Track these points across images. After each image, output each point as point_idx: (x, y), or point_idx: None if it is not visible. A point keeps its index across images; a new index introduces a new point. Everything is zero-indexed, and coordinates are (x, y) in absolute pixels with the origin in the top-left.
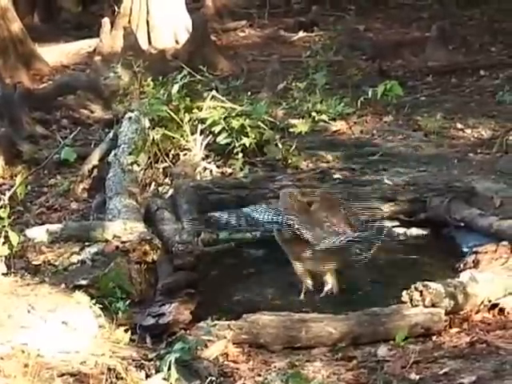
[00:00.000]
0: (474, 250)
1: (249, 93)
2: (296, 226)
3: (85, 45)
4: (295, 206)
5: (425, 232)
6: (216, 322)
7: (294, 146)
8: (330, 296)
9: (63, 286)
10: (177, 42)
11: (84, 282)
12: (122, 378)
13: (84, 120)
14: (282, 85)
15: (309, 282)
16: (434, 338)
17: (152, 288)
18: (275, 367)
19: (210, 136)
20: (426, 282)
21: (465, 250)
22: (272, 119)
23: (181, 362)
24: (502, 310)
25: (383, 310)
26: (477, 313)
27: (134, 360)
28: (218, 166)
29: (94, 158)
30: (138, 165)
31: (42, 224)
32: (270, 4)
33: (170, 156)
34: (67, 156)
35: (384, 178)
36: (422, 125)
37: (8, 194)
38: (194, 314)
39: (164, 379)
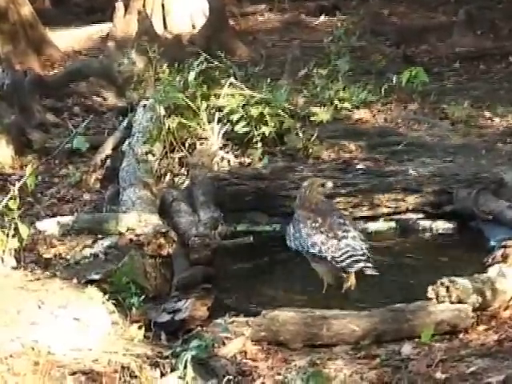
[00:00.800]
0: (503, 243)
1: (268, 80)
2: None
3: (97, 29)
4: (312, 194)
5: (451, 225)
6: (234, 318)
7: (315, 135)
8: (351, 291)
9: (75, 280)
10: (193, 26)
11: (97, 277)
12: (136, 377)
13: (97, 108)
14: (303, 71)
15: (330, 281)
16: (460, 335)
17: (167, 283)
18: (295, 366)
19: (228, 124)
20: (453, 278)
21: (493, 243)
22: (292, 107)
23: (197, 360)
24: None
25: (408, 306)
26: (505, 309)
27: (148, 358)
28: (236, 156)
29: (107, 148)
30: (153, 154)
31: (53, 216)
32: None
33: (187, 145)
34: (79, 145)
35: (409, 169)
36: (449, 113)
37: (18, 184)
38: (211, 311)
39: (180, 378)
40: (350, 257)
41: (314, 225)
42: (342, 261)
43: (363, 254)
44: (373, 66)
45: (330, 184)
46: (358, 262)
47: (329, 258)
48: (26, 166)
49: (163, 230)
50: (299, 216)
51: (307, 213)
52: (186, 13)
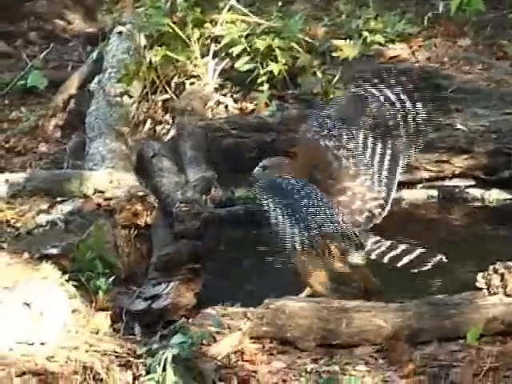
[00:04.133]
0: None
1: (279, 3)
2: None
3: None
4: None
5: (509, 195)
6: (228, 308)
7: (338, 76)
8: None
9: (26, 255)
10: None
11: (54, 251)
12: (101, 380)
13: (59, 34)
14: None
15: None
16: None
17: (144, 261)
18: (305, 371)
19: (227, 60)
20: (510, 263)
21: None
22: (309, 39)
23: (180, 360)
24: None
25: (451, 298)
26: None
27: (117, 356)
28: (235, 101)
29: (72, 86)
30: (130, 96)
31: (1, 172)
32: None
33: (173, 85)
34: (35, 82)
35: (457, 123)
36: (510, 52)
37: None
38: (199, 298)
39: (157, 382)
40: None
41: None
42: None
43: None
44: None
45: None
46: None
47: None
48: None
49: (140, 194)
50: None
51: None
52: None
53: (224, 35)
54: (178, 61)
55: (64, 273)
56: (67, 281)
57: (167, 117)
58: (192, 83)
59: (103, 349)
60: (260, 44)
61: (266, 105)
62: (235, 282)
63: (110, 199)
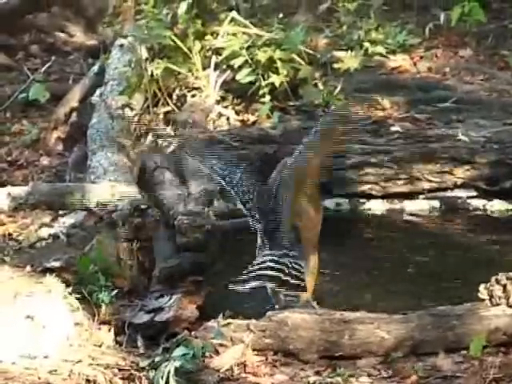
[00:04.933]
0: None
1: (280, 15)
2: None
3: None
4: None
5: (511, 206)
6: (230, 320)
7: (339, 88)
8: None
9: (28, 268)
10: None
11: (56, 264)
12: None
13: (60, 47)
14: (325, 4)
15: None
16: None
17: (146, 274)
18: (308, 382)
19: (228, 72)
20: None
21: None
22: (311, 51)
23: (183, 373)
24: None
25: (453, 309)
26: None
27: (120, 369)
28: (237, 112)
29: (73, 99)
30: (132, 108)
31: (3, 185)
32: None
33: (174, 97)
34: (37, 95)
35: (458, 133)
36: (511, 62)
37: None
38: (202, 310)
39: None
40: None
41: None
42: None
43: None
44: None
45: None
46: None
47: None
48: None
49: (142, 207)
50: None
51: None
52: None
53: (225, 47)
54: (179, 73)
55: (67, 286)
56: (70, 294)
57: (169, 129)
58: (193, 95)
59: (106, 362)
60: (261, 56)
61: (268, 116)
62: (238, 294)
63: (113, 212)
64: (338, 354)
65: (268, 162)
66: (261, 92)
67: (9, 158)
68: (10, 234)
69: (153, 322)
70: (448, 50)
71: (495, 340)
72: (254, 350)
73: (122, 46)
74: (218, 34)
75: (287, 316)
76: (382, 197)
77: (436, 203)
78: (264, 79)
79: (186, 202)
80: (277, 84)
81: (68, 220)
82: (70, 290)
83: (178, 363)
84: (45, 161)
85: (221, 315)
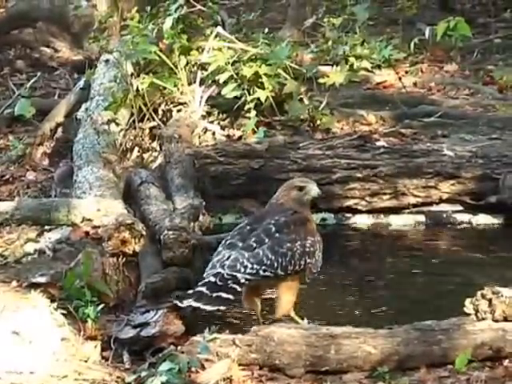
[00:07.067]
0: None
1: (266, 30)
2: None
3: None
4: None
5: (496, 220)
6: (216, 335)
7: (324, 103)
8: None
9: (15, 283)
10: None
11: (42, 279)
12: None
13: (46, 62)
14: (311, 20)
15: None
16: (505, 362)
17: (133, 289)
18: None
19: (214, 87)
20: (497, 288)
21: None
22: (296, 66)
23: None
24: None
25: (439, 323)
26: None
27: None
28: (222, 127)
29: (59, 114)
30: (117, 124)
31: None
32: None
33: (160, 113)
34: (23, 110)
35: (444, 148)
36: (496, 77)
37: None
38: (188, 325)
39: None
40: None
41: None
42: None
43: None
44: (400, 13)
45: (313, 190)
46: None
47: None
48: None
49: (128, 222)
50: None
51: None
52: None
53: (210, 62)
54: (164, 88)
55: (53, 301)
56: (56, 309)
57: (154, 144)
58: (179, 110)
59: (92, 377)
60: (247, 71)
61: (254, 131)
62: (224, 308)
63: (98, 227)
64: (324, 369)
65: (254, 177)
66: (246, 107)
67: None
68: None
69: (139, 337)
70: (433, 65)
71: (481, 354)
72: (240, 364)
73: (107, 61)
74: (203, 50)
75: (273, 331)
76: (368, 211)
77: (422, 218)
78: (249, 94)
79: (172, 216)
80: (262, 99)
81: (54, 235)
82: (56, 305)
83: (163, 378)
84: (31, 176)
85: (207, 330)
